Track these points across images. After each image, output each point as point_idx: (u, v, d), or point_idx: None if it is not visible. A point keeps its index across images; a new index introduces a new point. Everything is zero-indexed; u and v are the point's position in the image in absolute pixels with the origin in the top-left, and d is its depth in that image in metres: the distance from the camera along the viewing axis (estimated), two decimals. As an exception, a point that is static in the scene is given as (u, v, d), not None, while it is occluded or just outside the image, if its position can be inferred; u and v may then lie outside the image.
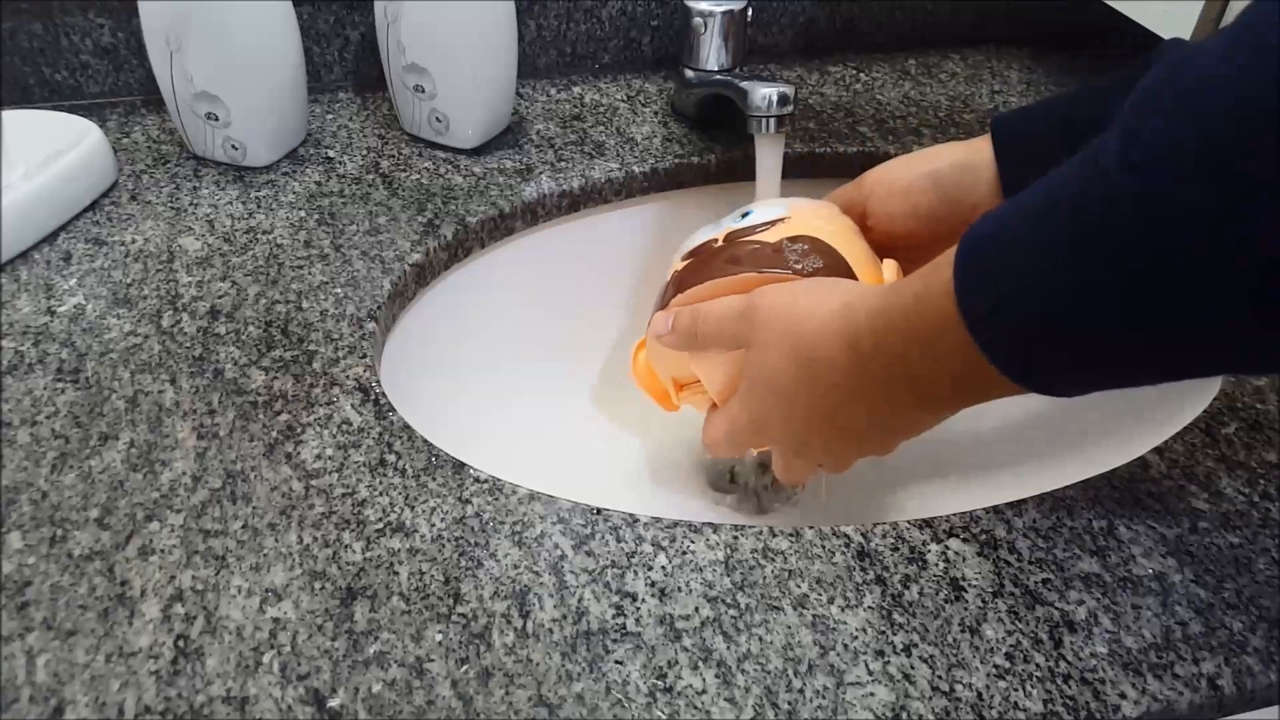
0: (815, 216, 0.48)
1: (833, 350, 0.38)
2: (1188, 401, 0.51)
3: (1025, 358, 0.32)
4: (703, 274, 0.47)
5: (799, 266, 0.45)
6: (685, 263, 0.49)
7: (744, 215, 0.49)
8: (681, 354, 0.48)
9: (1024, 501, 0.43)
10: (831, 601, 0.38)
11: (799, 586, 0.39)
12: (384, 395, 0.46)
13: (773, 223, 0.48)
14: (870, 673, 0.36)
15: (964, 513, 0.42)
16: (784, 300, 0.41)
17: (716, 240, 0.49)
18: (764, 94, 0.57)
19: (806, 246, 0.46)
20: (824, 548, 0.40)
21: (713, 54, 0.63)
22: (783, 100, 0.57)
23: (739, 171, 0.66)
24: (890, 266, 0.47)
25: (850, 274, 0.45)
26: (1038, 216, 0.31)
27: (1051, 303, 0.30)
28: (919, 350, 0.35)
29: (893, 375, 0.37)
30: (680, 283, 0.49)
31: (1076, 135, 0.45)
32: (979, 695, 0.35)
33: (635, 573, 0.39)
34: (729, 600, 0.38)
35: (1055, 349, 0.31)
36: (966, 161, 0.48)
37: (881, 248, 0.49)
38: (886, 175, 0.50)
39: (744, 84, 0.58)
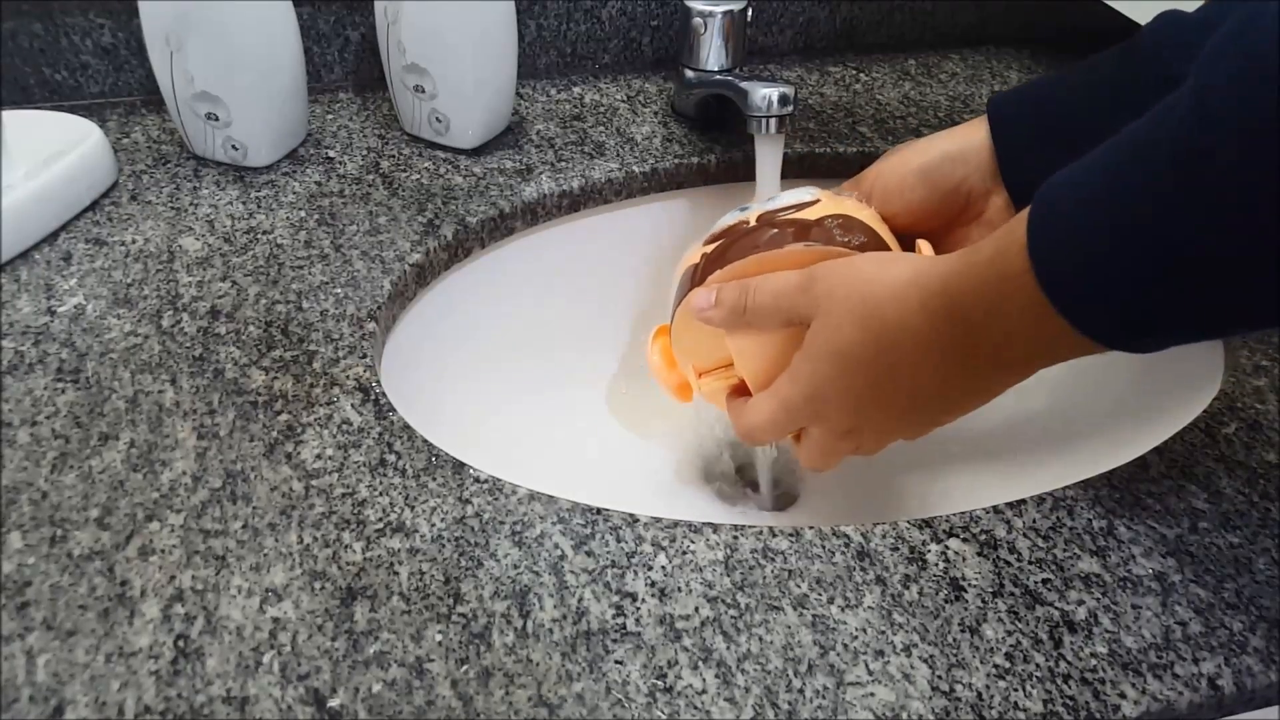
0: (844, 199, 0.48)
1: (905, 315, 0.38)
2: (1187, 401, 0.51)
3: (1101, 316, 0.32)
4: (739, 252, 0.46)
5: (845, 240, 0.44)
6: (713, 245, 0.48)
7: (769, 200, 0.48)
8: (711, 337, 0.47)
9: (1024, 501, 0.43)
10: (831, 601, 0.38)
11: (799, 586, 0.39)
12: (384, 395, 0.46)
13: (807, 204, 0.47)
14: (870, 673, 0.36)
15: (964, 513, 0.42)
16: (848, 271, 0.40)
17: (748, 222, 0.48)
18: (764, 94, 0.57)
19: (847, 224, 0.45)
20: (824, 548, 0.40)
21: (713, 54, 0.63)
22: (783, 101, 0.57)
23: (739, 172, 0.66)
24: (925, 246, 0.47)
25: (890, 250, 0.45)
26: (1108, 175, 0.31)
27: (1124, 262, 0.30)
28: (995, 312, 0.35)
29: (969, 338, 0.36)
30: (710, 265, 0.47)
31: (1074, 137, 0.45)
32: (979, 695, 0.35)
33: (635, 573, 0.39)
34: (729, 600, 0.38)
35: (1129, 306, 0.31)
36: (957, 152, 0.49)
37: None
38: (881, 175, 0.50)
39: (744, 84, 0.58)
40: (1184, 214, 0.29)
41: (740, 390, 0.49)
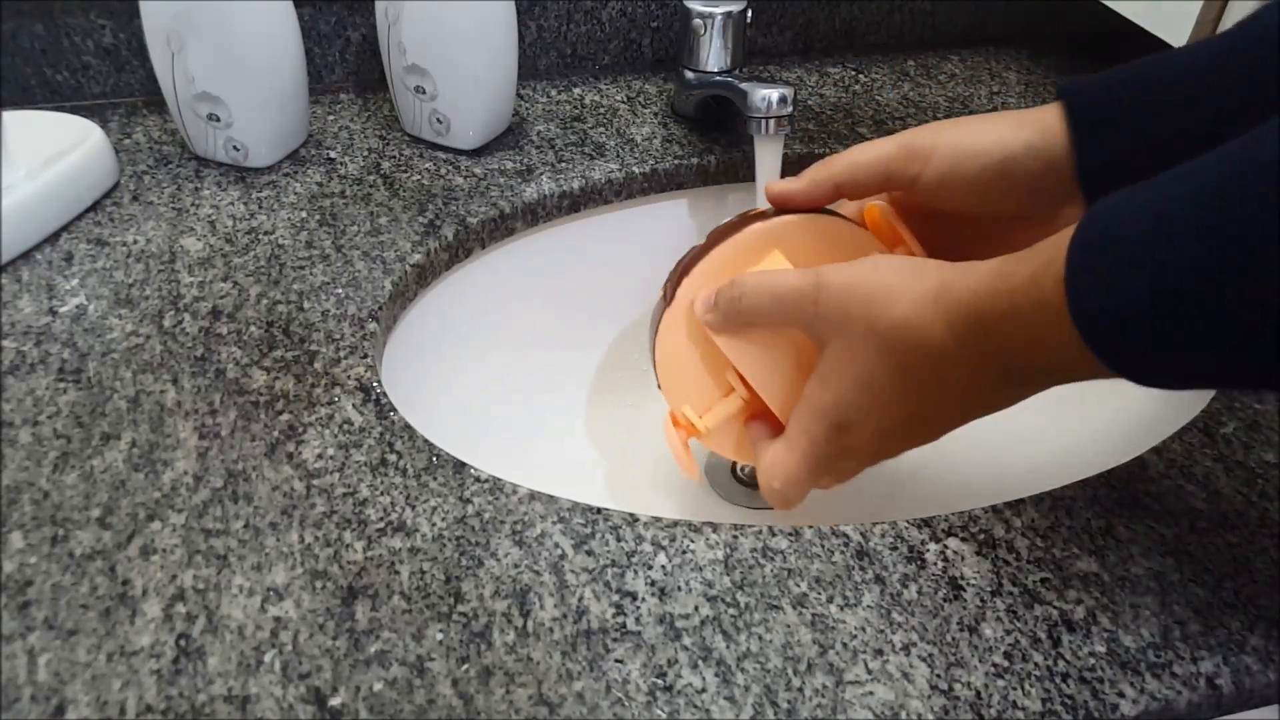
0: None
1: (932, 340, 0.35)
2: (1186, 402, 0.51)
3: (1141, 363, 0.30)
4: (715, 238, 0.45)
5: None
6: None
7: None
8: (702, 363, 0.45)
9: (1022, 501, 0.43)
10: (831, 600, 0.38)
11: (798, 586, 0.39)
12: (385, 395, 0.46)
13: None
14: (869, 671, 0.36)
15: (962, 512, 0.42)
16: (862, 283, 0.37)
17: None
18: (763, 95, 0.57)
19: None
20: (823, 547, 0.40)
21: (712, 55, 0.63)
22: (782, 101, 0.57)
23: (739, 172, 0.66)
24: (878, 212, 0.45)
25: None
26: (1176, 211, 0.28)
27: (1181, 310, 0.28)
28: (1032, 340, 0.33)
29: (1000, 364, 0.34)
30: (689, 264, 0.45)
31: (1171, 151, 0.39)
32: (977, 694, 0.35)
33: (635, 572, 0.39)
34: (729, 599, 0.38)
35: (1178, 357, 0.29)
36: (1041, 148, 0.41)
37: (924, 222, 0.45)
38: (950, 155, 0.43)
39: (743, 85, 0.58)
40: (1257, 269, 0.26)
41: (753, 412, 0.45)
